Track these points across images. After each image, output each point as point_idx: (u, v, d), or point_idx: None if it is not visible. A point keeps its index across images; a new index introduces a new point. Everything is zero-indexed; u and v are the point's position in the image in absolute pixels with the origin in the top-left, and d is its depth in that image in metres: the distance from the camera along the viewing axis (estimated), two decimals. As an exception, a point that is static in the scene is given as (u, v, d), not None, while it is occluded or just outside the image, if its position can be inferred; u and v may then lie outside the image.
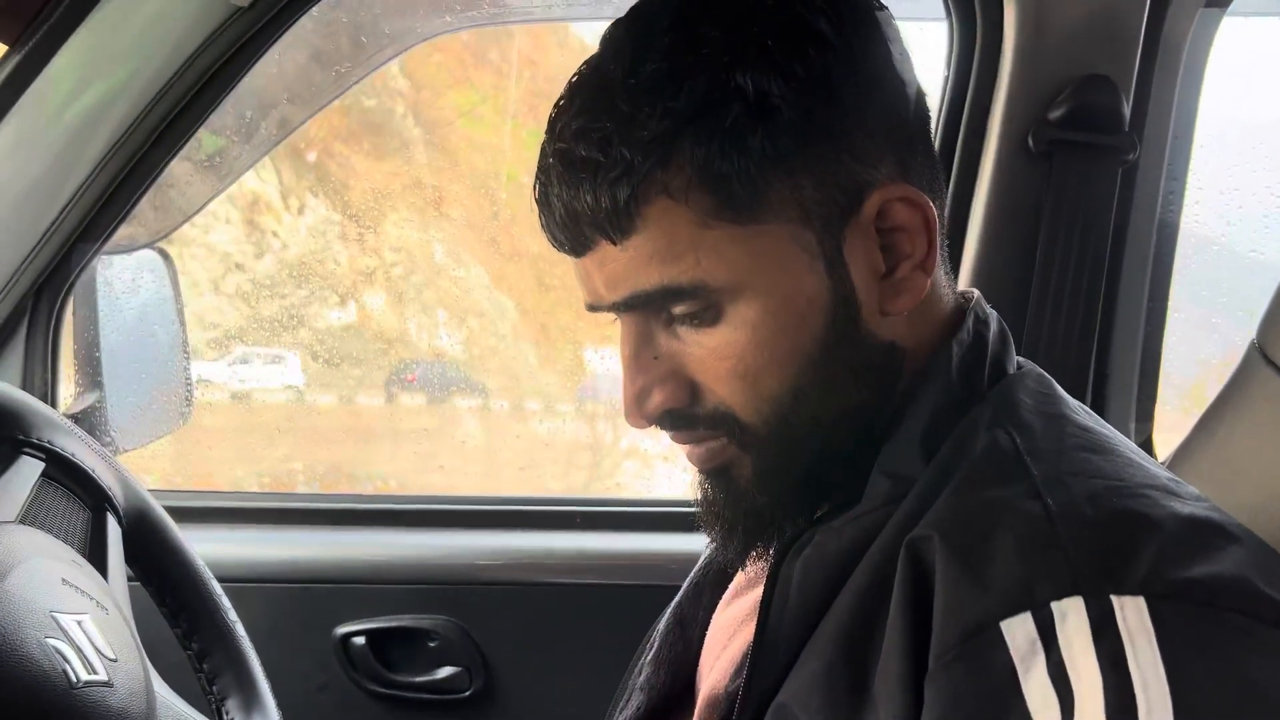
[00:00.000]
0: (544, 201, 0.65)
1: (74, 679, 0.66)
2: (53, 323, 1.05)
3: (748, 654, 0.65)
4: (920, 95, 0.70)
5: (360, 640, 1.06)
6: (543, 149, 0.66)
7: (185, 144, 1.01)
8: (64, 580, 0.72)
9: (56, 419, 0.81)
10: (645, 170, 0.61)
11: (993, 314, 0.71)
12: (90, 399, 1.07)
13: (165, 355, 1.19)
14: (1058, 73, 1.04)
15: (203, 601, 0.86)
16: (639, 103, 0.62)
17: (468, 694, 1.06)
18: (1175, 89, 1.11)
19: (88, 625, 0.70)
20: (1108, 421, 0.69)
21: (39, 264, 1.01)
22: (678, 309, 0.64)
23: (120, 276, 1.13)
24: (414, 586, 1.07)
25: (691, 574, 0.83)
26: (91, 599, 0.73)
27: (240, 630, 0.87)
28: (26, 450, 0.77)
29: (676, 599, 0.83)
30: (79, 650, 0.68)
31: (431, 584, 1.07)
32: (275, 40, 1.04)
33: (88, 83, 0.97)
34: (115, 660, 0.70)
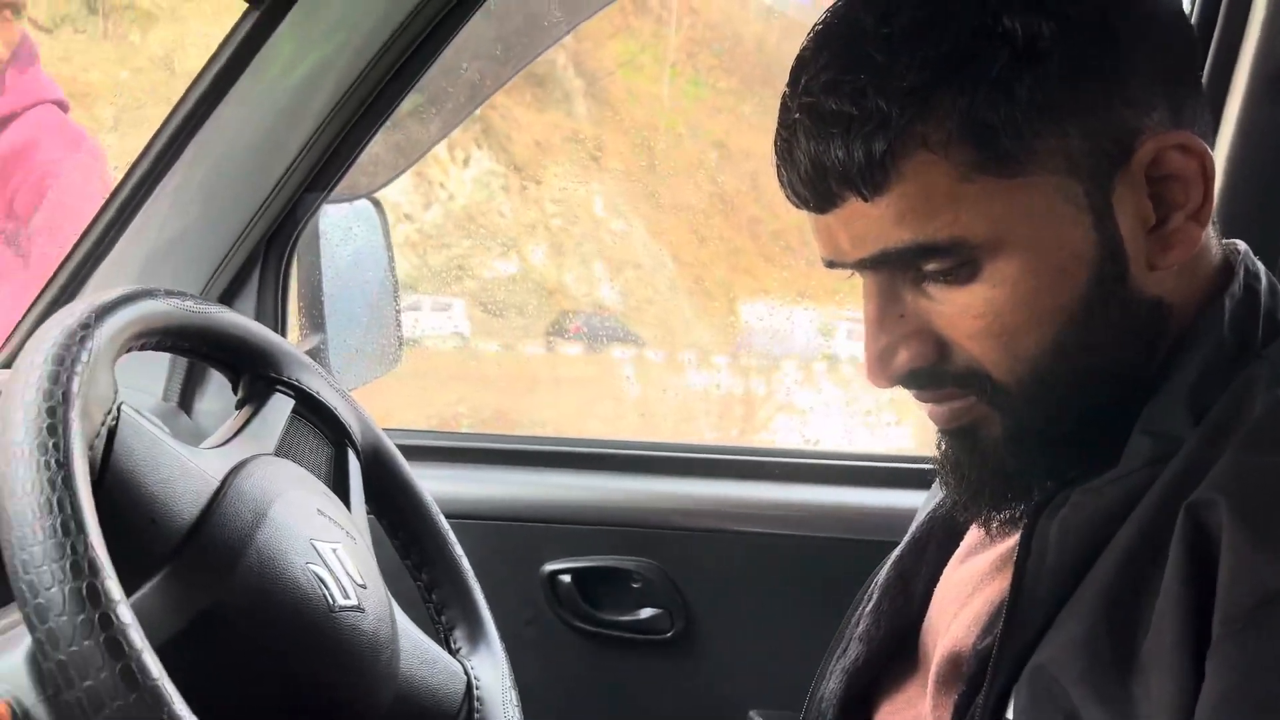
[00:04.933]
0: (787, 156, 0.64)
1: (332, 603, 0.70)
2: (282, 268, 1.12)
3: (998, 613, 0.64)
4: (1190, 29, 0.66)
5: (566, 578, 1.10)
6: (784, 103, 0.64)
7: (400, 103, 1.05)
8: (319, 510, 0.77)
9: (304, 359, 0.85)
10: (903, 123, 0.59)
11: (1262, 267, 0.67)
12: (314, 341, 1.13)
13: (378, 301, 1.24)
14: (1320, 4, 0.95)
15: (432, 536, 0.90)
16: (896, 52, 0.60)
17: (669, 635, 1.08)
18: None
19: (341, 553, 0.75)
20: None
21: (271, 213, 1.06)
22: (929, 266, 0.62)
23: (337, 225, 1.18)
24: (618, 529, 1.10)
25: (912, 529, 0.83)
26: (342, 529, 0.77)
27: (466, 564, 0.90)
28: (279, 388, 0.82)
29: (897, 552, 0.82)
30: (335, 576, 0.72)
31: (635, 527, 1.10)
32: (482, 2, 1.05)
33: (307, 50, 1.01)
34: (365, 587, 0.75)
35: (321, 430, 0.85)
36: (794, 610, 1.05)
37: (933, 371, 0.63)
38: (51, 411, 0.59)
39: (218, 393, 1.10)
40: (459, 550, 0.91)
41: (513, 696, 0.85)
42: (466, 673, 0.85)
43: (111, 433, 0.65)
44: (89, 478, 0.59)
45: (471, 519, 0.93)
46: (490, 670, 0.86)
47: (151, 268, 1.03)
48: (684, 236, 4.88)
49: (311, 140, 1.05)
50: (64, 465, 0.57)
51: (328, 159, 1.06)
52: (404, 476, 0.90)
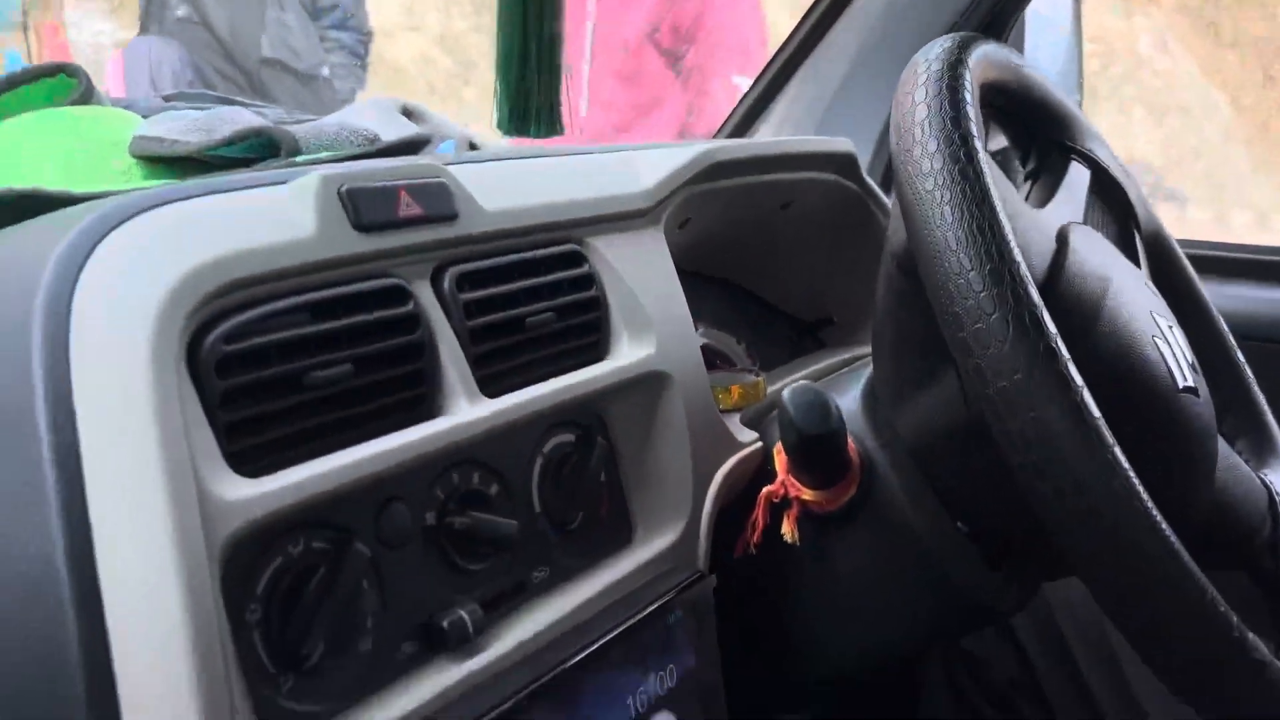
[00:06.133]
0: None
1: (1176, 382, 0.64)
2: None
3: None
4: None
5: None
6: None
7: None
8: (1146, 284, 0.71)
9: (1094, 129, 0.79)
10: None
11: None
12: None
13: (1065, 89, 1.15)
14: None
15: (1211, 335, 0.81)
16: None
17: None
18: None
19: (1176, 332, 0.68)
20: None
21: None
22: None
23: (1035, 12, 1.09)
24: None
25: None
26: (1166, 304, 0.71)
27: (1249, 372, 0.81)
28: (1075, 157, 0.76)
29: None
30: (1174, 355, 0.66)
31: None
32: None
33: None
34: (1196, 370, 0.68)
35: (1109, 206, 0.78)
36: None
37: None
38: (964, 139, 0.56)
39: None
40: (1240, 355, 0.81)
41: (1322, 521, 0.75)
42: (1267, 487, 0.76)
43: None
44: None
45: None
46: (1293, 487, 0.76)
47: (865, 54, 1.02)
48: (1248, 76, 4.21)
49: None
50: (987, 194, 0.55)
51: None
52: (1185, 267, 0.81)
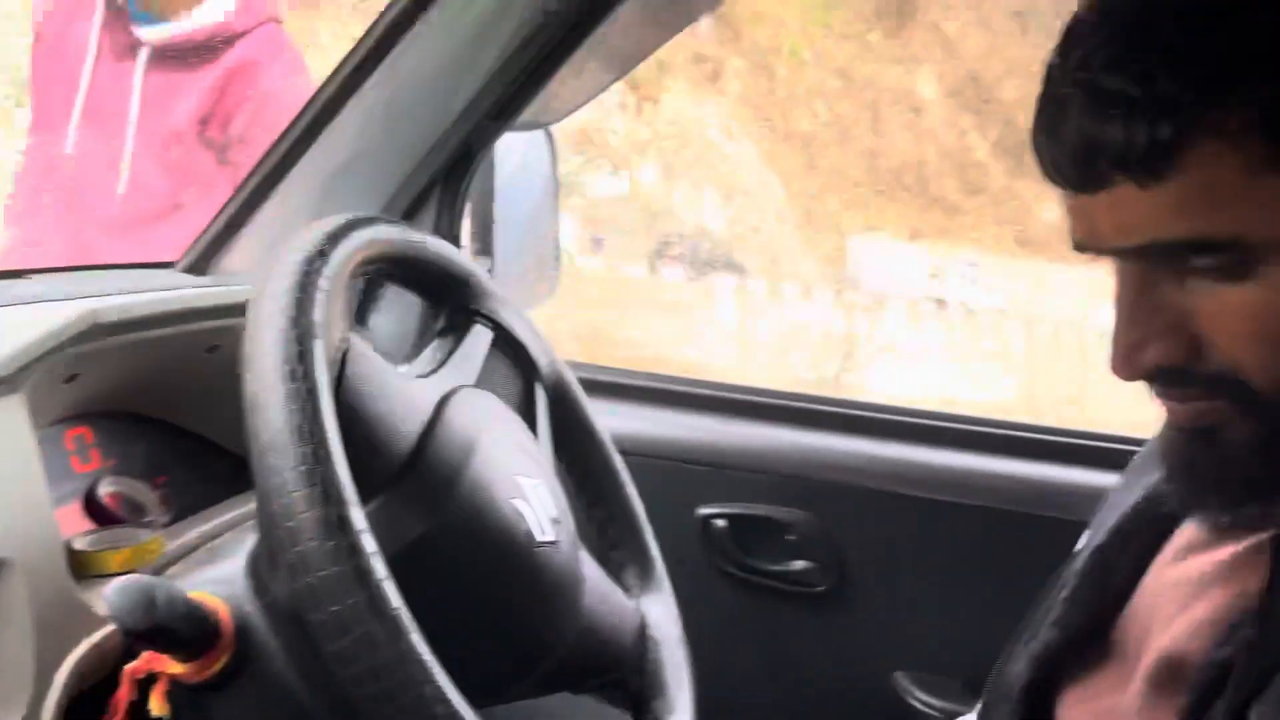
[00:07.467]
0: (1051, 132, 0.60)
1: (533, 539, 0.71)
2: (460, 194, 1.11)
3: (1239, 623, 0.62)
4: None
5: (721, 523, 1.11)
6: (1050, 73, 0.60)
7: (586, 40, 1.02)
8: (519, 446, 0.78)
9: (499, 292, 0.86)
10: (1196, 110, 0.55)
11: None
12: (483, 266, 1.14)
13: (541, 231, 1.24)
14: None
15: (608, 475, 0.91)
16: (1192, 33, 0.56)
17: (821, 590, 1.08)
18: None
19: (541, 490, 0.75)
20: None
21: (454, 140, 1.06)
22: (1198, 261, 0.59)
23: (510, 153, 1.17)
24: (779, 478, 1.09)
25: (1114, 519, 0.80)
26: (539, 465, 0.78)
27: (639, 505, 0.91)
28: (478, 320, 0.83)
29: (1096, 541, 0.80)
30: (535, 513, 0.73)
31: (797, 478, 1.09)
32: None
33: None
34: (559, 523, 0.76)
35: (513, 364, 0.86)
36: (952, 578, 1.04)
37: (1183, 372, 0.61)
38: (300, 339, 0.60)
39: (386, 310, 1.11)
40: (633, 490, 0.91)
41: (683, 639, 0.87)
42: (641, 615, 0.86)
43: (343, 359, 0.66)
44: (334, 407, 0.61)
45: (631, 455, 0.93)
46: (662, 612, 0.87)
47: (335, 185, 1.04)
48: (797, 165, 4.79)
49: (497, 72, 1.04)
50: (313, 394, 0.59)
51: (512, 92, 1.05)
52: (585, 415, 0.91)
